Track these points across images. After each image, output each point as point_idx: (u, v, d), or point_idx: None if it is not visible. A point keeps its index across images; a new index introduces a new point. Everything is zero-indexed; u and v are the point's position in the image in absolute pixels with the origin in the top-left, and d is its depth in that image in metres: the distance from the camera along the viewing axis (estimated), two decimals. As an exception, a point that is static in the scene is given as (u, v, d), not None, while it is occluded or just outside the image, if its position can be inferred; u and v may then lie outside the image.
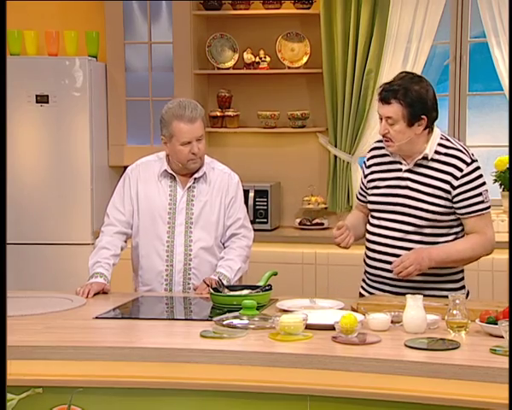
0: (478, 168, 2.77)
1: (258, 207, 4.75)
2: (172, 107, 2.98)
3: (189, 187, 3.05)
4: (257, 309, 2.50)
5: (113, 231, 3.06)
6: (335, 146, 4.78)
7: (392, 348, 2.18)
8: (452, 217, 2.78)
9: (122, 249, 3.09)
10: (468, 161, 2.75)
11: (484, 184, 2.78)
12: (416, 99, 2.71)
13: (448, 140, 2.81)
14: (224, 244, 3.12)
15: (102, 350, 2.24)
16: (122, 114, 4.97)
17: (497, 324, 2.19)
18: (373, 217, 2.88)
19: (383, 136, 2.78)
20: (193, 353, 2.20)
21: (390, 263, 2.78)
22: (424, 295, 2.39)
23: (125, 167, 5.10)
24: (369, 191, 2.90)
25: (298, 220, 4.87)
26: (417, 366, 2.05)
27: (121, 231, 3.07)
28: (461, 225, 2.80)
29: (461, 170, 2.74)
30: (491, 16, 4.50)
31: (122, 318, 2.66)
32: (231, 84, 5.01)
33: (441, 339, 2.21)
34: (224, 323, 2.40)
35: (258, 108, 4.91)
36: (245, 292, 2.74)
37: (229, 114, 4.96)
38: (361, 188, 2.99)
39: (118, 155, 4.99)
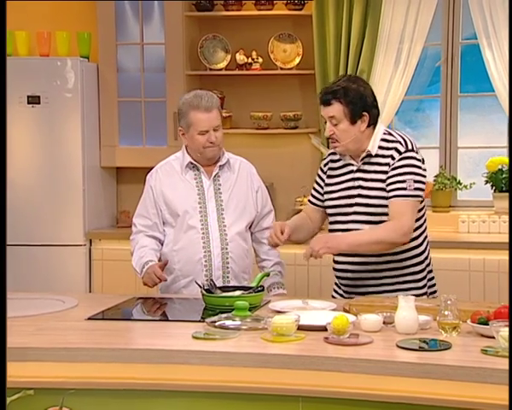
0: (411, 158, 2.79)
1: (250, 208, 4.74)
2: (189, 98, 3.06)
3: (215, 176, 3.09)
4: (249, 310, 2.50)
5: (144, 235, 3.11)
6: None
7: (384, 349, 2.18)
8: None
9: (159, 247, 3.10)
10: (402, 150, 2.80)
11: (415, 174, 2.77)
12: (355, 96, 2.78)
13: (391, 134, 2.86)
14: (253, 233, 3.15)
15: (94, 352, 2.23)
16: (114, 114, 4.96)
17: (488, 324, 2.20)
18: (332, 222, 2.92)
19: (329, 137, 2.85)
20: (185, 354, 2.19)
21: (355, 264, 2.85)
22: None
23: (118, 168, 5.19)
24: (326, 196, 2.95)
25: (290, 221, 4.87)
26: (409, 367, 2.05)
27: (151, 235, 3.11)
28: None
29: (394, 158, 2.80)
30: (482, 18, 4.51)
31: (114, 319, 2.65)
32: (224, 85, 5.01)
33: (433, 340, 2.21)
34: (217, 324, 2.40)
35: (250, 109, 4.92)
36: (237, 293, 2.74)
37: (222, 114, 4.95)
38: (317, 192, 3.00)
39: (110, 155, 4.99)
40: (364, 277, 2.86)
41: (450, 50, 4.78)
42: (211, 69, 4.95)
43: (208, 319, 2.44)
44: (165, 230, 3.11)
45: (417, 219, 2.85)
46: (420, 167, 2.80)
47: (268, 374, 2.14)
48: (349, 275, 2.89)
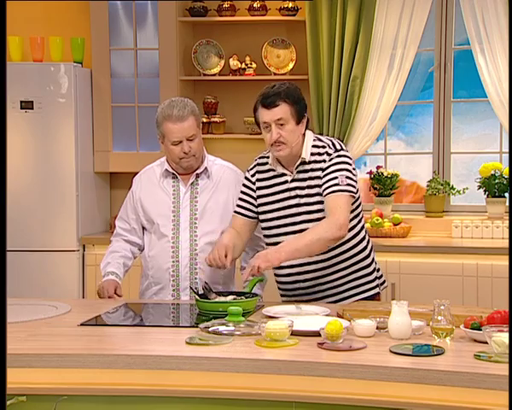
0: (341, 156, 2.80)
1: (244, 213, 4.74)
2: (164, 106, 3.01)
3: (192, 183, 3.06)
4: (243, 316, 2.50)
5: (121, 239, 3.14)
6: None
7: (378, 354, 2.18)
8: None
9: (134, 255, 3.14)
10: (331, 152, 2.81)
11: (346, 170, 2.77)
12: (298, 96, 2.79)
13: (320, 140, 2.87)
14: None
15: (87, 358, 2.23)
16: (107, 120, 4.96)
17: (481, 330, 2.20)
18: (270, 235, 2.89)
19: (275, 142, 2.77)
20: (179, 360, 2.19)
21: (302, 273, 2.85)
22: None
23: (111, 173, 5.18)
24: (260, 209, 2.91)
25: (284, 226, 4.87)
26: (402, 372, 2.05)
27: (128, 240, 3.13)
28: (353, 212, 2.82)
29: (325, 161, 2.80)
30: (474, 24, 4.54)
31: (107, 325, 2.65)
32: (217, 91, 5.02)
33: (426, 345, 2.22)
34: (210, 329, 2.39)
35: (244, 114, 4.92)
36: (230, 298, 2.73)
37: (216, 120, 4.97)
38: (248, 203, 2.92)
39: (103, 161, 4.98)
40: (317, 283, 2.86)
41: (443, 56, 4.80)
42: (204, 74, 4.96)
43: (202, 325, 2.44)
44: (145, 234, 3.12)
45: (356, 216, 2.86)
46: (350, 164, 2.81)
47: (261, 380, 2.14)
48: (301, 285, 2.88)
